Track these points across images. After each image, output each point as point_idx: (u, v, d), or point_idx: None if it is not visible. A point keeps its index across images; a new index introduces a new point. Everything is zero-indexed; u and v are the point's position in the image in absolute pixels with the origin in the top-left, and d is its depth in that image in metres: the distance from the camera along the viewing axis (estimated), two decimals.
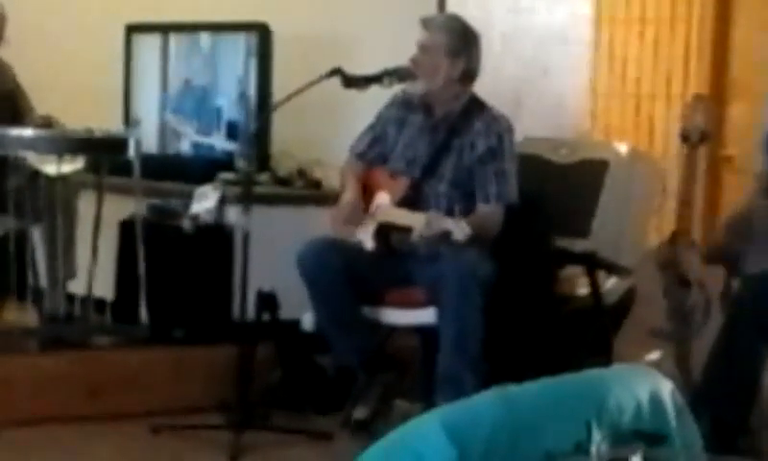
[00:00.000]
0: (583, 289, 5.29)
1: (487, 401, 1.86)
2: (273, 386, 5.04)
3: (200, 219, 5.25)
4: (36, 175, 5.11)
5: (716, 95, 6.11)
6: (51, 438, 4.63)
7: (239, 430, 4.52)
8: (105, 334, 5.28)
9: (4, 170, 5.06)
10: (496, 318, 4.54)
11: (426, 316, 4.60)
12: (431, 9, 5.63)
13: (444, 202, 4.68)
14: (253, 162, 4.79)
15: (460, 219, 4.35)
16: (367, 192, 4.85)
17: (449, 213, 4.53)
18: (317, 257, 4.61)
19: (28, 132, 5.07)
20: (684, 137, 4.88)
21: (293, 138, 5.73)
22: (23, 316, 5.15)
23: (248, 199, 4.63)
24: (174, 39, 5.99)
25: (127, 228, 5.29)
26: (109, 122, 5.44)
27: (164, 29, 5.99)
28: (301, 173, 5.74)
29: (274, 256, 4.90)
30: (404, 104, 4.86)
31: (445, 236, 4.29)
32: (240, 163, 4.77)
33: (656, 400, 1.99)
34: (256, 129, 5.17)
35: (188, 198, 5.32)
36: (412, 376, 4.86)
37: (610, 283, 5.28)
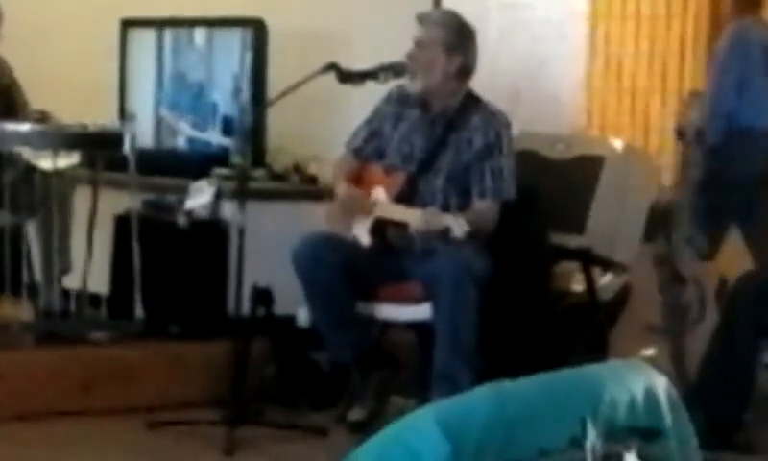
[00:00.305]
0: (578, 285, 5.29)
1: (481, 397, 1.86)
2: (267, 381, 5.04)
3: (195, 214, 5.25)
4: (31, 170, 5.11)
5: None
6: (46, 432, 4.63)
7: (234, 425, 4.51)
8: (100, 329, 5.26)
9: None
10: (492, 314, 4.54)
11: (421, 312, 4.60)
12: (427, 4, 5.63)
13: (440, 197, 4.67)
14: (249, 158, 4.79)
15: (458, 215, 4.35)
16: (362, 188, 4.84)
17: (445, 209, 4.53)
18: (312, 253, 4.61)
19: (23, 126, 5.06)
20: (680, 133, 4.88)
21: (288, 134, 5.72)
22: (18, 311, 5.14)
23: (243, 194, 4.62)
24: (169, 34, 5.98)
25: (122, 223, 5.29)
26: (105, 117, 5.43)
27: (159, 24, 5.97)
28: (297, 168, 5.73)
29: (269, 252, 4.89)
30: (400, 99, 4.85)
31: (444, 233, 4.29)
32: (235, 159, 4.78)
33: (651, 396, 1.99)
34: (252, 124, 5.15)
35: (183, 193, 5.31)
36: (407, 371, 4.86)
37: (605, 279, 5.28)
